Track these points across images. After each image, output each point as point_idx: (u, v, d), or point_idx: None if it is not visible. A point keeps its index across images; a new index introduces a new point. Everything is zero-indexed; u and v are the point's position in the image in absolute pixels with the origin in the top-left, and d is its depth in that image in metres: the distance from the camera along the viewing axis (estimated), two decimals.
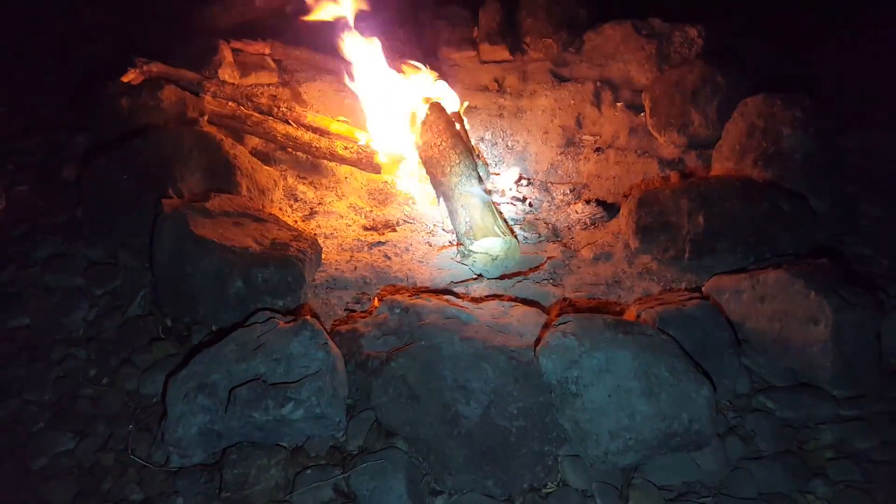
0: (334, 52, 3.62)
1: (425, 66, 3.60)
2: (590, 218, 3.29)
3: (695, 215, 2.76)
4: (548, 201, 3.53)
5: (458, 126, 3.32)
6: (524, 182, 3.65)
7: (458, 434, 1.97)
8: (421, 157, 3.31)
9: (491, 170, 3.66)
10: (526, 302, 2.55)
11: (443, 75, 3.76)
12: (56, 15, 4.55)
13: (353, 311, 2.62)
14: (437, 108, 3.28)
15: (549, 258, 2.98)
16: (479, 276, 2.86)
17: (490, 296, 2.67)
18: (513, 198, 3.50)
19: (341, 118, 3.61)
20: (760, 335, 2.33)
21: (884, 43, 4.09)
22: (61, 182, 3.19)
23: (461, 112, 3.54)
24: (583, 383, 1.99)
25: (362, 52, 3.53)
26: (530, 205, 3.48)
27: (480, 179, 3.05)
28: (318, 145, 3.47)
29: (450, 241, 3.14)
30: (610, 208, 3.33)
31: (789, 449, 2.10)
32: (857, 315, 2.17)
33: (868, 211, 3.09)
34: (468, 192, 2.96)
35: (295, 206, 3.32)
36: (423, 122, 3.24)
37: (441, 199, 3.13)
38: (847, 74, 4.00)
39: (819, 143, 3.01)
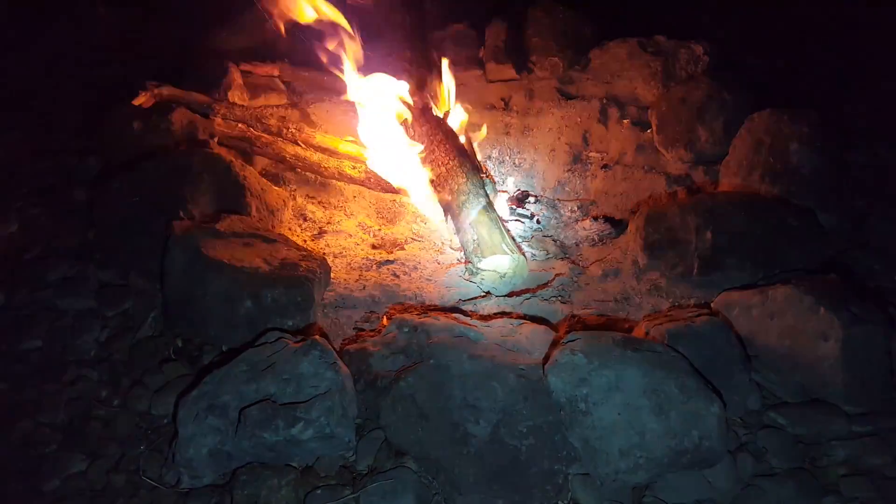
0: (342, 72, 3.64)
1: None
2: (598, 234, 3.30)
3: (703, 231, 2.76)
4: (555, 218, 3.53)
5: (464, 142, 3.35)
6: (532, 199, 3.66)
7: (467, 453, 1.97)
8: (428, 176, 3.33)
9: (498, 187, 3.68)
10: (534, 319, 2.55)
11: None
12: (67, 39, 4.62)
13: (362, 330, 2.63)
14: (444, 126, 3.31)
15: (557, 275, 2.98)
16: (488, 293, 2.87)
17: (498, 313, 2.68)
18: (520, 215, 3.51)
19: (349, 138, 3.64)
20: (771, 351, 2.32)
21: (891, 56, 4.09)
22: (73, 205, 3.22)
23: (464, 128, 3.56)
24: (592, 401, 1.99)
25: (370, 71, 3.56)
26: (538, 222, 3.49)
27: (488, 197, 3.07)
28: (326, 165, 3.50)
29: (458, 259, 3.15)
30: (618, 225, 3.33)
31: (801, 466, 2.08)
32: (868, 331, 2.17)
33: (878, 226, 3.08)
34: (476, 210, 2.97)
35: (304, 226, 3.35)
36: (431, 141, 3.27)
37: (449, 216, 3.14)
38: (854, 89, 4.00)
39: (827, 157, 3.01)
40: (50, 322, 2.66)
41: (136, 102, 3.39)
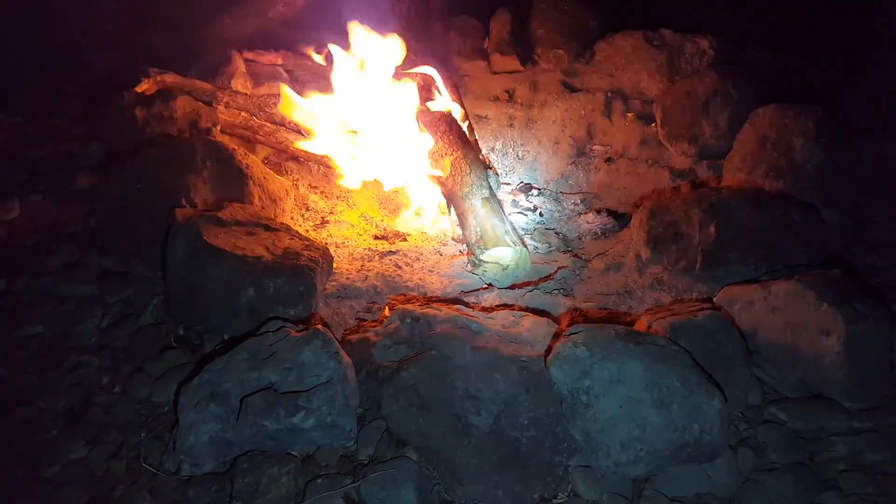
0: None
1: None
2: (600, 228, 3.30)
3: (706, 226, 2.75)
4: (558, 211, 3.53)
5: (467, 133, 3.33)
6: (535, 192, 3.66)
7: (468, 444, 1.97)
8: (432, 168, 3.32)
9: (501, 180, 3.67)
10: (537, 312, 2.54)
11: (455, 85, 3.77)
12: (70, 25, 4.60)
13: (364, 320, 2.63)
14: (447, 118, 3.30)
15: (559, 268, 2.98)
16: (490, 285, 2.87)
17: (501, 305, 2.67)
18: (523, 207, 3.51)
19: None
20: (772, 346, 2.32)
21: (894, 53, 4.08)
22: (75, 191, 3.21)
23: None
24: (594, 394, 1.99)
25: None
26: (541, 214, 3.49)
27: (491, 189, 3.06)
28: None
29: (460, 251, 3.15)
30: (621, 218, 3.33)
31: (801, 461, 2.09)
32: (870, 327, 2.16)
33: (880, 222, 3.08)
34: (479, 202, 2.97)
35: (306, 216, 3.34)
36: (434, 132, 3.26)
37: (452, 208, 3.14)
38: (858, 85, 3.99)
39: (830, 153, 3.00)
40: (51, 308, 2.66)
41: (138, 89, 3.38)
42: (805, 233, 2.75)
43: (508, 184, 3.75)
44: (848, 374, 2.15)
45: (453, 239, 3.27)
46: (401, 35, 3.45)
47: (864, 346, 2.16)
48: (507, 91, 4.24)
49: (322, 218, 3.35)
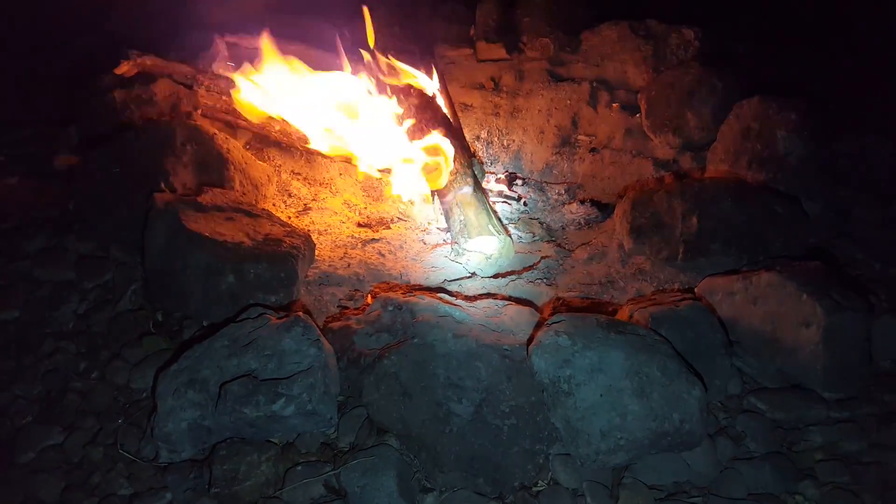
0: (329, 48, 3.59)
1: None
2: (584, 218, 3.30)
3: (688, 216, 2.76)
4: (542, 201, 3.53)
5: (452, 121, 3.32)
6: (519, 181, 3.65)
7: (449, 432, 1.97)
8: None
9: (486, 168, 3.66)
10: (519, 301, 2.54)
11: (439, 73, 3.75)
12: (49, 6, 4.51)
13: (346, 307, 2.61)
14: (432, 103, 3.28)
15: (543, 257, 2.98)
16: (473, 274, 2.86)
17: (484, 294, 2.67)
18: (508, 197, 3.50)
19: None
20: (752, 336, 2.34)
21: (877, 48, 4.10)
22: (53, 175, 3.17)
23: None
24: (575, 382, 1.99)
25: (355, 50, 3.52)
26: (525, 204, 3.48)
27: (475, 178, 3.05)
28: None
29: (444, 240, 3.14)
30: (604, 209, 3.33)
31: (779, 450, 2.11)
32: (849, 318, 2.18)
33: (860, 214, 3.10)
34: (463, 190, 2.96)
35: (289, 202, 3.31)
36: (419, 119, 3.23)
37: (436, 196, 3.12)
38: (841, 79, 4.01)
39: (813, 146, 3.02)
40: (28, 293, 2.62)
41: (118, 72, 3.32)
42: (787, 224, 2.76)
43: (493, 173, 3.74)
44: (826, 365, 2.17)
45: (437, 227, 3.25)
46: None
47: (843, 337, 2.18)
48: (492, 79, 4.22)
49: (305, 205, 3.32)
